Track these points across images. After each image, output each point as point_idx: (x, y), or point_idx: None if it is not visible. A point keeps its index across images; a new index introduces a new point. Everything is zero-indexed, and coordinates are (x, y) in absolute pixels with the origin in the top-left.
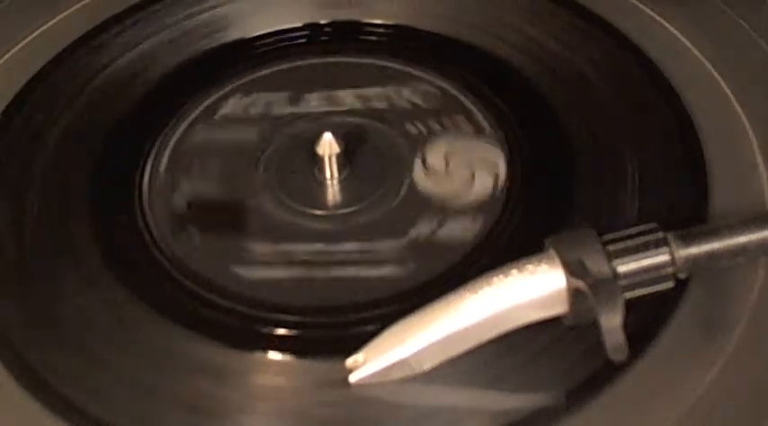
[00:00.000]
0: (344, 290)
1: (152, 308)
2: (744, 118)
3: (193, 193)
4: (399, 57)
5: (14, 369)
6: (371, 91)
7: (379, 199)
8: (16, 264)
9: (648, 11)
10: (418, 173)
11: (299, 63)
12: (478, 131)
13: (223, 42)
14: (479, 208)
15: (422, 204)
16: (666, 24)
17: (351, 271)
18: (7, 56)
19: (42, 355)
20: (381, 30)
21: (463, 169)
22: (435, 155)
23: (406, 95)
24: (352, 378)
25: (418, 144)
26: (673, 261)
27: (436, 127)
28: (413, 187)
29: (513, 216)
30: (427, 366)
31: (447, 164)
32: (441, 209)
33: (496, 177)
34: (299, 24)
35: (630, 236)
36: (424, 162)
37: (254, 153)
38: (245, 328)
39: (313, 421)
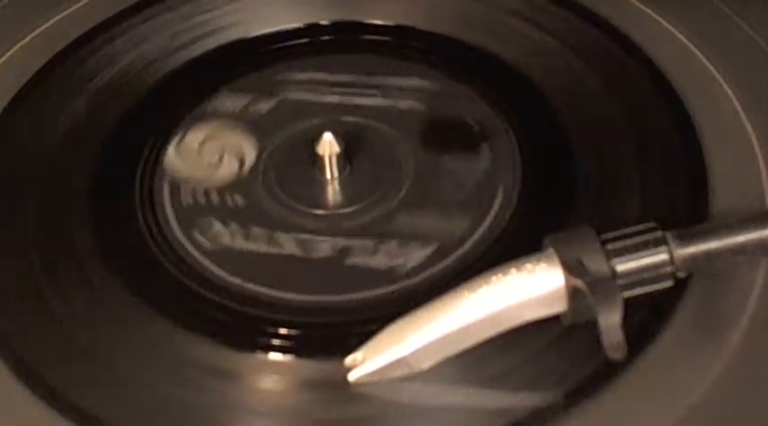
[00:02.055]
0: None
1: (152, 308)
2: (744, 118)
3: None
4: (399, 57)
5: (14, 369)
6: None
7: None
8: (16, 265)
9: (649, 11)
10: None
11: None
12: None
13: (223, 42)
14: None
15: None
16: (666, 24)
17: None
18: (7, 56)
19: (43, 355)
20: (382, 30)
21: (214, 153)
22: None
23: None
24: (351, 377)
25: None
26: (671, 261)
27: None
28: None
29: (514, 216)
30: (426, 365)
31: (201, 147)
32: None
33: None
34: (299, 24)
35: (629, 235)
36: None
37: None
38: (245, 328)
39: (313, 421)
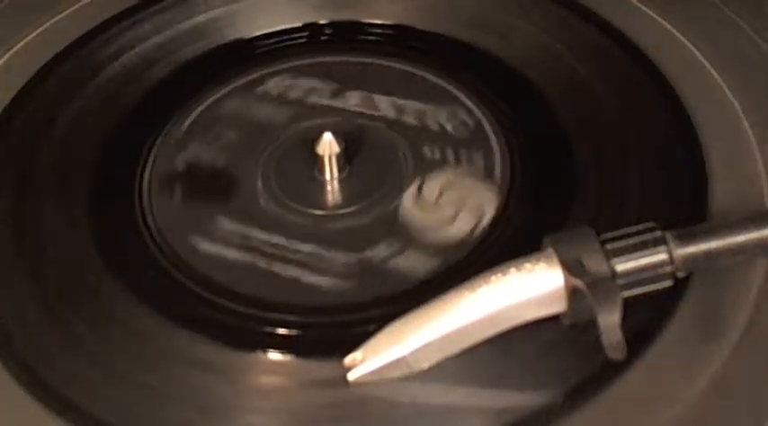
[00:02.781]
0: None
1: (152, 308)
2: (744, 117)
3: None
4: (399, 57)
5: (14, 369)
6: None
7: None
8: (16, 265)
9: (648, 11)
10: (408, 196)
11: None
12: (485, 162)
13: (223, 42)
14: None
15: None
16: (666, 24)
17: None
18: (7, 56)
19: (42, 355)
20: (381, 30)
21: (451, 205)
22: (432, 184)
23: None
24: (351, 376)
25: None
26: (671, 260)
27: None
28: (413, 187)
29: (514, 216)
30: (425, 364)
31: (439, 196)
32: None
33: (479, 220)
34: (299, 24)
35: (629, 235)
36: (419, 188)
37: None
38: (245, 328)
39: (313, 421)
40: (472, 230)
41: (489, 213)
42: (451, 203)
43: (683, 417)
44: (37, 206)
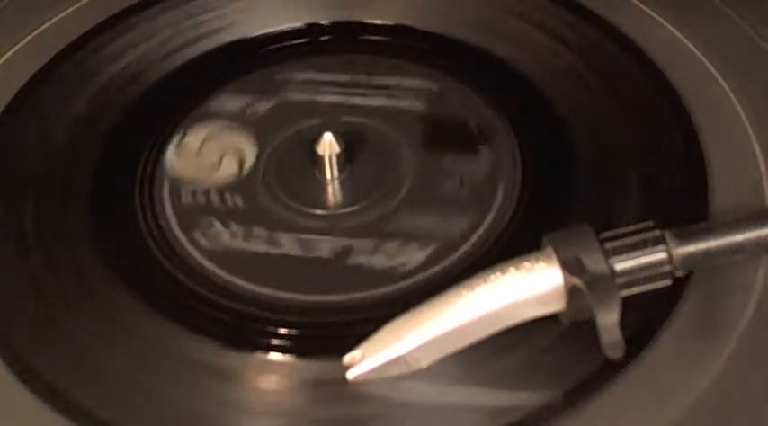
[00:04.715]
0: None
1: (152, 308)
2: (744, 118)
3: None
4: (399, 57)
5: (14, 369)
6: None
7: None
8: (16, 265)
9: (648, 11)
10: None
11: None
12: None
13: (223, 42)
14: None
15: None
16: (666, 24)
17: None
18: (7, 56)
19: (42, 355)
20: (382, 30)
21: (214, 153)
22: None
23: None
24: (350, 375)
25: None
26: (670, 259)
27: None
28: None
29: (513, 216)
30: (425, 363)
31: (201, 147)
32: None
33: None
34: (299, 24)
35: (628, 234)
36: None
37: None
38: (245, 328)
39: (313, 421)
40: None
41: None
42: (213, 151)
43: (682, 417)
44: (37, 206)
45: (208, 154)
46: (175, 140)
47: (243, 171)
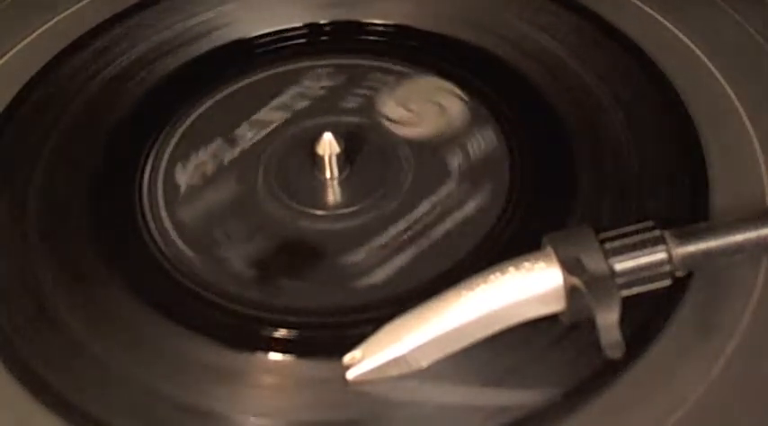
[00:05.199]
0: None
1: (152, 308)
2: (744, 118)
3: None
4: (399, 57)
5: (14, 369)
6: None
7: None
8: (17, 265)
9: (648, 10)
10: (391, 127)
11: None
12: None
13: (223, 42)
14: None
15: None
16: (666, 24)
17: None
18: (7, 56)
19: (42, 355)
20: (381, 30)
21: (426, 105)
22: (392, 109)
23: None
24: (350, 375)
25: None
26: (670, 259)
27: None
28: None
29: (513, 216)
30: (424, 363)
31: (410, 110)
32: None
33: (460, 97)
34: (299, 24)
35: (628, 234)
36: (389, 119)
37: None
38: (245, 328)
39: (313, 421)
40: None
41: (457, 91)
42: (424, 103)
43: (682, 417)
44: (37, 206)
45: (422, 109)
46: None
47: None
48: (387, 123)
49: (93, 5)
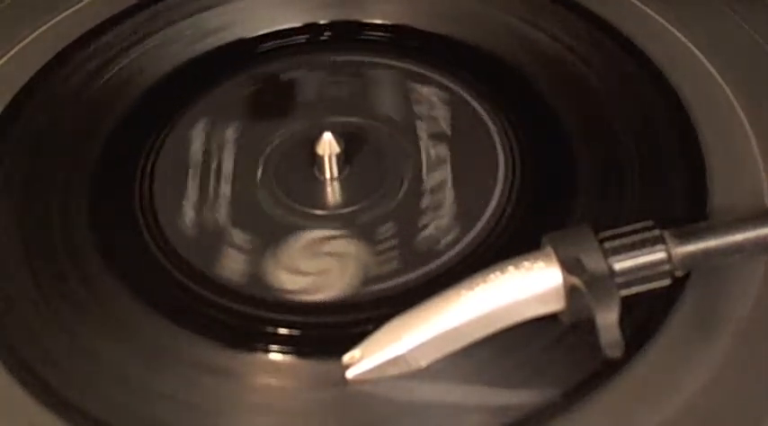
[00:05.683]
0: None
1: (152, 308)
2: (744, 118)
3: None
4: (399, 57)
5: (14, 369)
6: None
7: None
8: (17, 265)
9: (648, 10)
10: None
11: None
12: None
13: (223, 42)
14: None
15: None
16: (666, 24)
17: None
18: (7, 56)
19: (43, 355)
20: (381, 30)
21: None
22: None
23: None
24: (349, 374)
25: None
26: (669, 259)
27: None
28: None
29: (513, 215)
30: (424, 362)
31: (302, 273)
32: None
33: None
34: (299, 24)
35: (627, 234)
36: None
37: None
38: (245, 328)
39: (313, 421)
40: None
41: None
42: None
43: (682, 416)
44: (37, 205)
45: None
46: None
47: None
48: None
49: (93, 5)
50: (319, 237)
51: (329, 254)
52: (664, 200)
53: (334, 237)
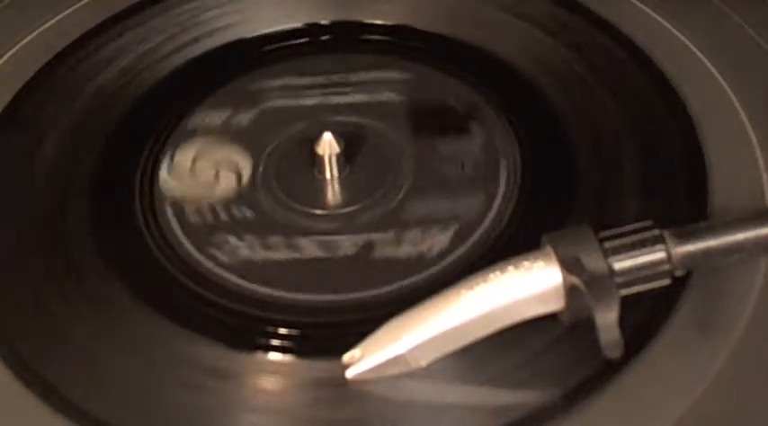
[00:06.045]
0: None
1: (152, 308)
2: (744, 117)
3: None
4: (399, 57)
5: (14, 369)
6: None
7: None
8: (17, 265)
9: (648, 10)
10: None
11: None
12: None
13: (223, 42)
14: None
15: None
16: (666, 24)
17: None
18: (7, 56)
19: (42, 355)
20: (382, 30)
21: (208, 169)
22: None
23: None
24: (349, 374)
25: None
26: (669, 259)
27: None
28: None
29: (513, 215)
30: (424, 362)
31: (193, 165)
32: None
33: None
34: (299, 24)
35: (627, 233)
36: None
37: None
38: (245, 328)
39: (313, 421)
40: (237, 187)
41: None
42: (207, 167)
43: (682, 417)
44: (37, 205)
45: (202, 171)
46: (165, 162)
47: (241, 184)
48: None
49: (93, 5)
50: None
51: None
52: (664, 200)
53: None
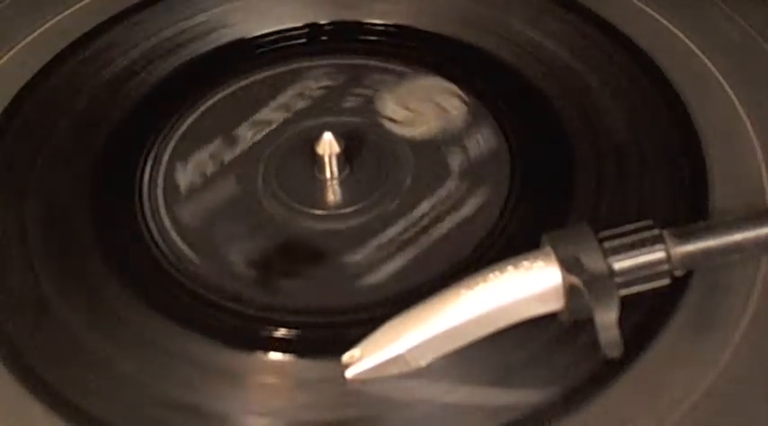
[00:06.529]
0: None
1: (152, 308)
2: (744, 117)
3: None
4: (399, 57)
5: (14, 369)
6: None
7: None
8: (17, 264)
9: (649, 10)
10: (391, 127)
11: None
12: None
13: (223, 42)
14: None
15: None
16: (667, 24)
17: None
18: (7, 56)
19: (43, 355)
20: (381, 30)
21: (426, 104)
22: (392, 109)
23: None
24: (349, 374)
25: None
26: (668, 259)
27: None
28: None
29: (513, 215)
30: (423, 362)
31: (409, 109)
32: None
33: (460, 97)
34: (299, 24)
35: (626, 233)
36: (389, 119)
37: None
38: (244, 328)
39: (312, 421)
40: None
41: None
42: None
43: (682, 417)
44: (37, 205)
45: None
46: (384, 121)
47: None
48: (386, 123)
49: (94, 5)
50: None
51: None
52: (664, 200)
53: None
